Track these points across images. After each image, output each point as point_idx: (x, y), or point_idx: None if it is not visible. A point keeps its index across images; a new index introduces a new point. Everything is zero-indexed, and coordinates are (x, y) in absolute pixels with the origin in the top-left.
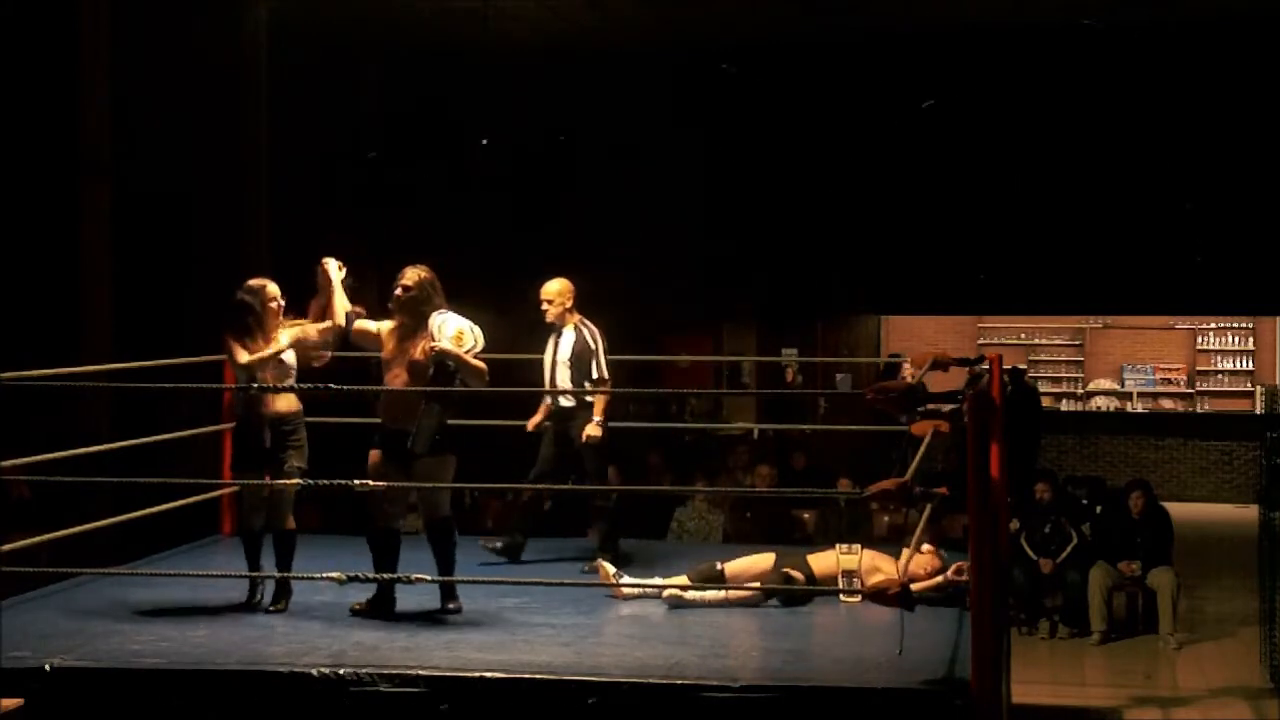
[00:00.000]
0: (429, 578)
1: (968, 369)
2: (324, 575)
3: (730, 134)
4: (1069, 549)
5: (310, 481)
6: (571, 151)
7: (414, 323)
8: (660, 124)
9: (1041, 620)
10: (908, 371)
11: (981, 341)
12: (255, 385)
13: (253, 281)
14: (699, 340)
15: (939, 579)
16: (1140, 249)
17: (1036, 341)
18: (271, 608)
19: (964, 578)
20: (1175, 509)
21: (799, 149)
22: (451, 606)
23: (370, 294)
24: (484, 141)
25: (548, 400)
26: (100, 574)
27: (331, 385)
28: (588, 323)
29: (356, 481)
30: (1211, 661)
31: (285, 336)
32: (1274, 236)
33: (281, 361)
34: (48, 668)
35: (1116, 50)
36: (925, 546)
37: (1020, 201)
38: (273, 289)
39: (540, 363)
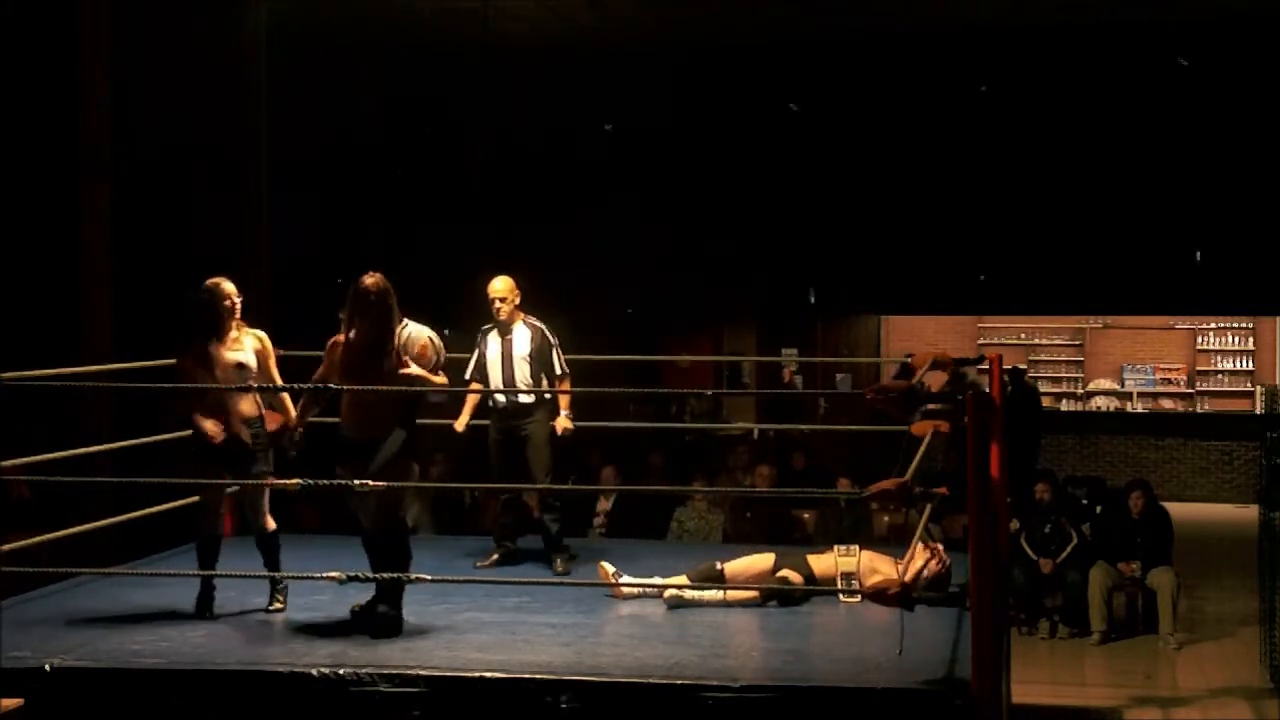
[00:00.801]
0: (429, 577)
1: (948, 370)
2: (324, 575)
3: (730, 134)
4: (1069, 549)
5: (311, 481)
6: (574, 151)
7: (378, 333)
8: (660, 124)
9: (1041, 620)
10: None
11: (981, 341)
12: (257, 386)
13: (209, 281)
14: (699, 340)
15: (928, 568)
16: (1140, 249)
17: (1036, 341)
18: (271, 608)
19: (937, 550)
20: (1175, 509)
21: (799, 149)
22: (382, 608)
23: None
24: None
25: (471, 399)
26: (100, 574)
27: (331, 385)
28: (533, 319)
29: (356, 481)
30: (1211, 661)
31: (249, 341)
32: (1274, 236)
33: (242, 365)
34: (48, 668)
35: (1116, 50)
36: (934, 544)
37: (1020, 201)
38: (227, 287)
39: (468, 365)
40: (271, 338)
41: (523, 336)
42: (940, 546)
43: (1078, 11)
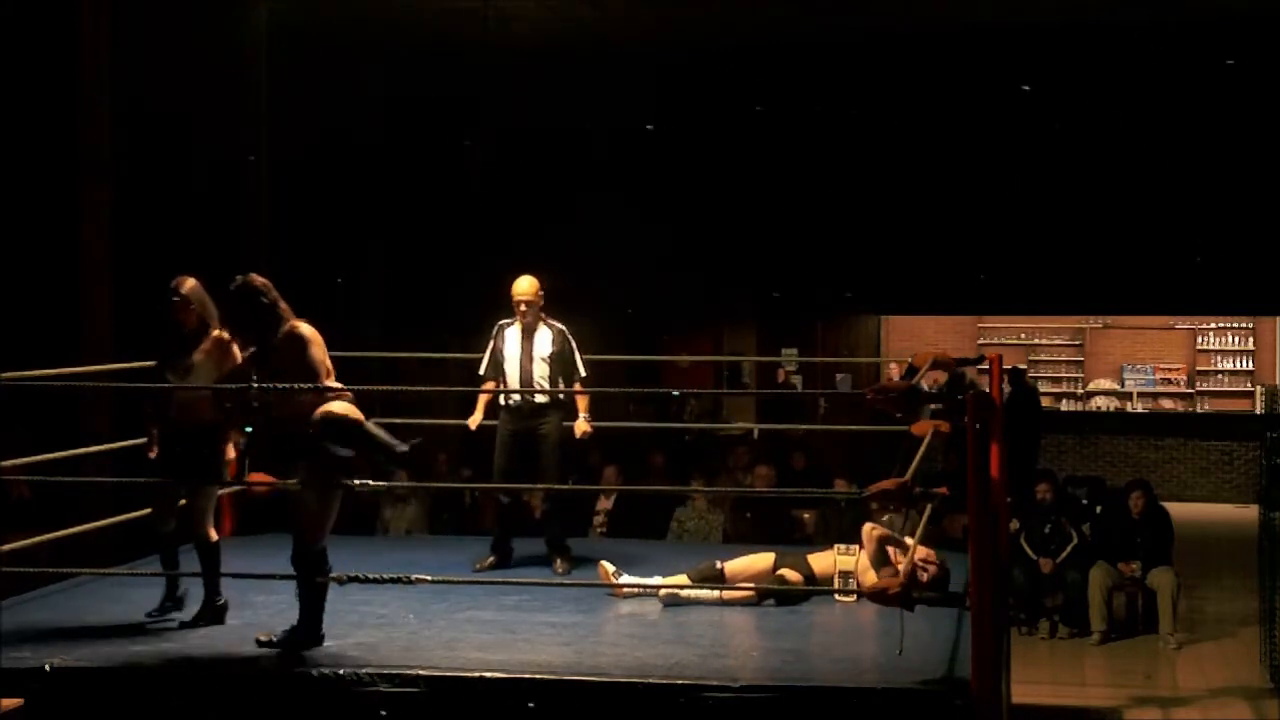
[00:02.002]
0: (429, 578)
1: (948, 370)
2: (323, 576)
3: (730, 134)
4: (1069, 549)
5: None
6: (574, 151)
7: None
8: (660, 123)
9: (1041, 620)
10: (893, 371)
11: (981, 341)
12: (257, 385)
13: (175, 281)
14: (699, 340)
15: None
16: (1140, 249)
17: (1036, 341)
18: (201, 622)
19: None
20: (1175, 509)
21: (799, 149)
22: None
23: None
24: (467, 143)
25: (486, 397)
26: (100, 574)
27: (332, 386)
28: (554, 320)
29: (357, 481)
30: (1211, 661)
31: (205, 342)
32: (1274, 236)
33: (189, 367)
34: (48, 668)
35: (1116, 50)
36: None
37: (1020, 201)
38: (186, 290)
39: (482, 361)
40: None
41: (545, 337)
42: (908, 541)
43: (1078, 11)
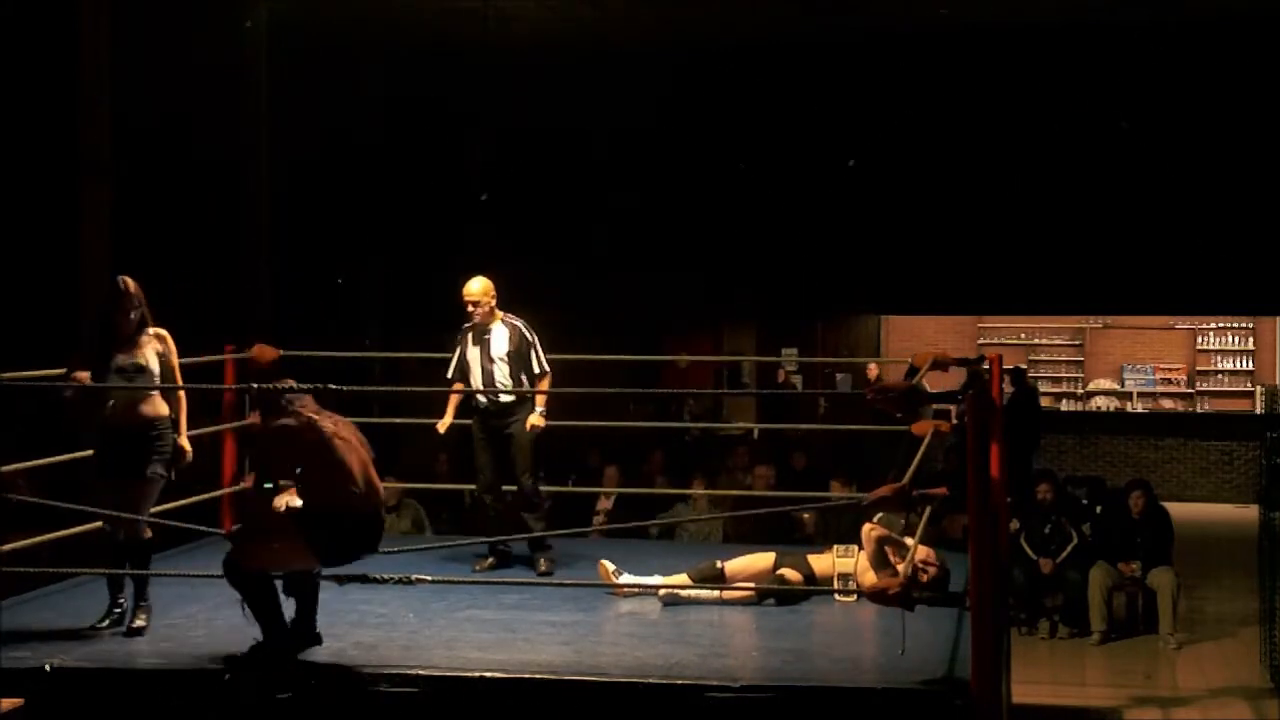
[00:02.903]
0: (429, 578)
1: (946, 369)
2: (321, 575)
3: (730, 134)
4: (1069, 549)
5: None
6: (574, 151)
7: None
8: (660, 123)
9: (1041, 620)
10: (872, 371)
11: (981, 341)
12: (258, 386)
13: (121, 283)
14: (699, 340)
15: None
16: (1140, 249)
17: (1036, 341)
18: (135, 624)
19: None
20: (1175, 509)
21: (798, 149)
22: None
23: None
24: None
25: (454, 399)
26: (100, 574)
27: (331, 385)
28: (512, 317)
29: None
30: (1211, 661)
31: (151, 343)
32: (1274, 236)
33: (144, 368)
34: (48, 668)
35: (1116, 50)
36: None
37: (1020, 201)
38: (134, 290)
39: (447, 363)
40: (272, 338)
41: (501, 336)
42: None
43: (1078, 11)
